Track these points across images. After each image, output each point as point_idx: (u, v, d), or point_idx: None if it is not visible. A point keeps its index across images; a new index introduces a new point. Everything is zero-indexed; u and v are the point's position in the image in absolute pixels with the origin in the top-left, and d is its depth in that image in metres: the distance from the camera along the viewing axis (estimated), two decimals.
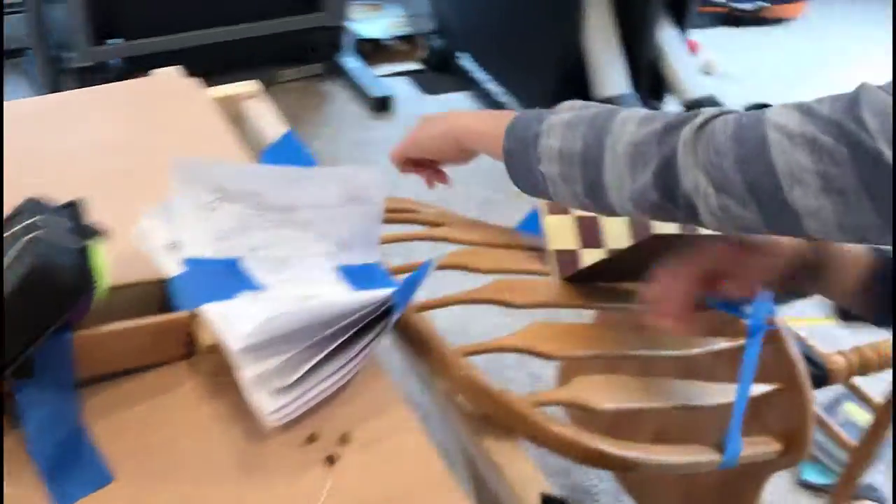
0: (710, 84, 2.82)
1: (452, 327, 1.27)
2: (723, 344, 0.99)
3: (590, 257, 0.93)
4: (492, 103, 2.48)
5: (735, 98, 2.73)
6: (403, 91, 2.61)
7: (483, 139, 0.73)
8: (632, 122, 0.61)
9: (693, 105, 2.08)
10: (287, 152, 0.77)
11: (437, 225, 0.95)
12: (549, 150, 0.64)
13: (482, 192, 2.14)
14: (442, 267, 0.84)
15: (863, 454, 1.25)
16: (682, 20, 2.21)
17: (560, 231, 0.93)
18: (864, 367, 1.08)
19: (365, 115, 2.47)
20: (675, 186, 0.58)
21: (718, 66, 2.96)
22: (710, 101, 2.09)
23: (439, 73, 2.72)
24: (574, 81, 2.12)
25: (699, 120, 0.58)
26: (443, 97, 2.62)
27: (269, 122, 1.03)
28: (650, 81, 2.22)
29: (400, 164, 0.82)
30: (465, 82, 2.65)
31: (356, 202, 0.75)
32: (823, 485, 1.44)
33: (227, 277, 0.68)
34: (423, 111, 2.52)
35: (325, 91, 2.55)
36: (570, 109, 0.66)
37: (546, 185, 0.67)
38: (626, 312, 0.92)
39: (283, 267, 0.72)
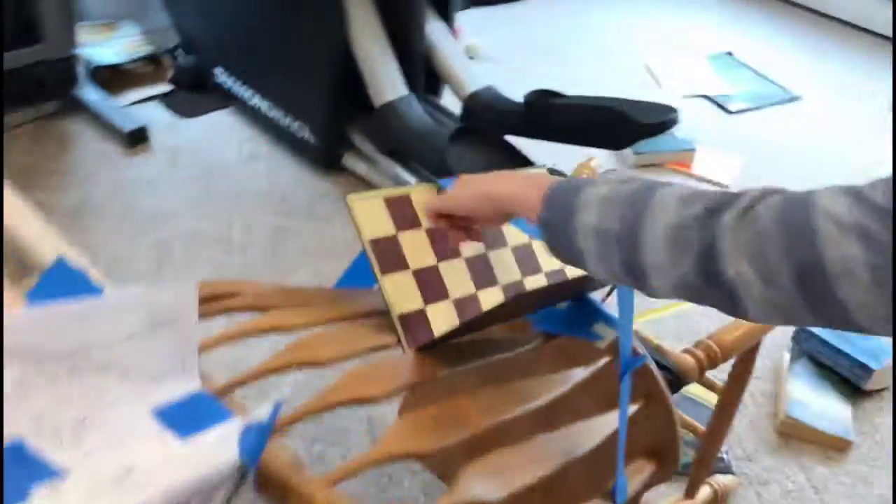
0: (478, 69, 2.84)
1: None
2: (580, 373, 0.95)
3: (438, 313, 0.85)
4: (259, 119, 2.32)
5: (506, 82, 2.76)
6: (157, 118, 2.38)
7: (522, 205, 0.74)
8: (671, 203, 0.60)
9: (473, 98, 2.06)
10: (62, 283, 0.61)
11: (261, 309, 0.82)
12: (585, 226, 0.65)
13: (274, 220, 2.00)
14: (281, 368, 0.72)
15: (715, 437, 1.28)
16: (446, 11, 2.17)
17: (401, 291, 0.83)
18: (712, 362, 1.08)
19: (119, 152, 2.22)
20: (718, 274, 0.56)
21: (482, 49, 2.98)
22: (490, 92, 2.07)
23: (194, 92, 2.50)
24: (349, 88, 2.02)
25: (742, 204, 0.56)
26: (203, 119, 2.41)
27: (16, 216, 0.83)
28: (425, 78, 2.17)
29: (434, 220, 0.84)
30: (224, 99, 2.46)
31: (164, 326, 0.61)
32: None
33: (13, 469, 0.52)
34: (184, 137, 2.32)
35: (66, 132, 2.26)
36: (606, 183, 0.66)
37: (583, 260, 0.68)
38: (483, 369, 0.85)
39: (85, 431, 0.57)
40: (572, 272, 1.00)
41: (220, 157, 2.23)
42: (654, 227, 0.60)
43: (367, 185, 2.14)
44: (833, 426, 1.60)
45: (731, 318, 1.18)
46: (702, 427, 1.37)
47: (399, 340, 0.81)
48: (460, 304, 0.88)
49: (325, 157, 2.17)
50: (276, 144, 2.29)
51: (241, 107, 2.39)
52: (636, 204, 0.62)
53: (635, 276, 0.63)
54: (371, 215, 0.85)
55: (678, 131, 2.28)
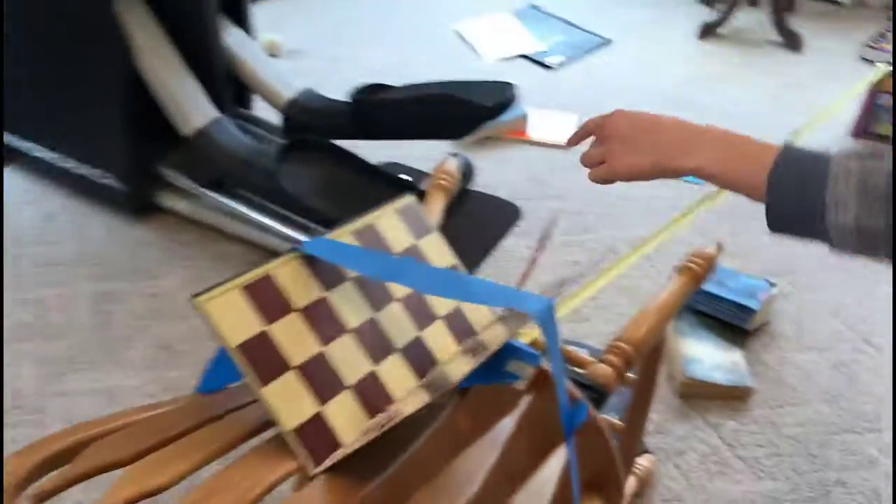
0: (287, 69, 2.65)
1: None
2: (506, 425, 0.85)
3: (339, 410, 0.71)
4: (48, 173, 2.03)
5: (321, 78, 2.60)
6: None
7: (726, 183, 0.76)
8: None
9: (292, 106, 1.89)
10: None
11: (121, 464, 0.65)
12: (842, 226, 0.68)
13: (94, 287, 1.75)
14: None
15: (634, 432, 1.22)
16: (240, 14, 1.98)
17: (288, 400, 0.69)
18: (629, 364, 1.01)
19: None
20: None
21: (282, 44, 2.79)
22: (309, 95, 1.91)
23: None
24: (150, 121, 1.79)
25: None
26: None
27: None
28: (233, 93, 1.98)
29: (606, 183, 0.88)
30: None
31: None
32: None
33: None
34: None
35: None
36: (846, 176, 0.67)
37: (836, 247, 0.70)
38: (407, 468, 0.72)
39: None
40: (475, 317, 0.89)
41: (12, 227, 1.94)
42: None
43: (192, 223, 1.93)
44: (730, 376, 1.60)
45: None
46: (619, 423, 1.32)
47: (302, 462, 0.67)
48: (361, 389, 0.75)
49: (136, 201, 1.94)
50: (76, 198, 2.02)
51: (23, 163, 2.09)
52: None
53: None
54: (231, 314, 0.69)
55: None
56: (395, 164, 2.18)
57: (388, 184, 1.73)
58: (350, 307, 0.78)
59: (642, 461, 1.42)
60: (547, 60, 2.81)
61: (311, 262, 0.78)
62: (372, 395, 0.75)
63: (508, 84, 1.68)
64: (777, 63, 2.99)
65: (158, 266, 1.83)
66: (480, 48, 2.87)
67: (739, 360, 1.64)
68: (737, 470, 1.45)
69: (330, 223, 1.68)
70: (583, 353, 1.36)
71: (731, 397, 1.59)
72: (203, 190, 1.85)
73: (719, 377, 1.59)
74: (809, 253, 1.99)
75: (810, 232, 0.71)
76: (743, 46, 3.09)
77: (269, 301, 0.72)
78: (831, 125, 2.55)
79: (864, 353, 1.71)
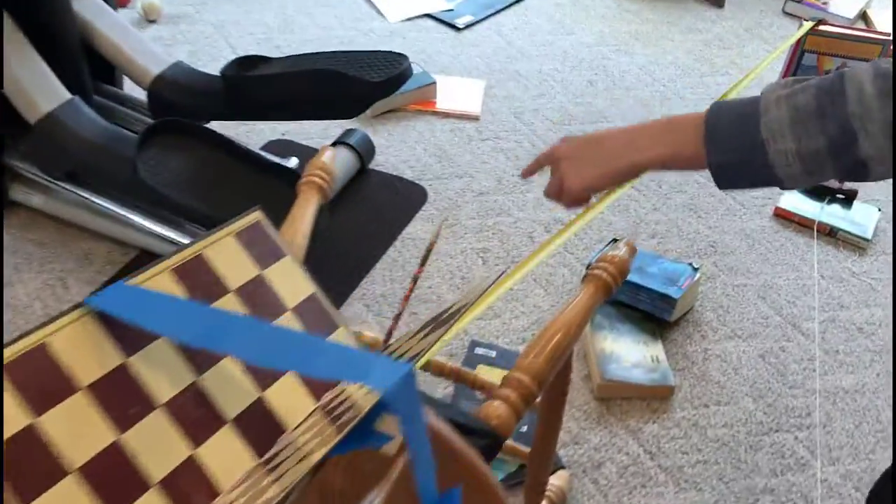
0: (159, 34, 2.43)
1: None
2: (380, 494, 0.71)
3: None
4: None
5: (201, 45, 2.39)
6: None
7: (676, 163, 0.77)
8: (867, 94, 0.64)
9: (158, 83, 1.68)
10: None
11: None
12: (784, 154, 0.69)
13: None
14: None
15: (542, 458, 1.10)
16: None
17: None
18: (528, 399, 0.88)
19: None
20: None
21: (161, 7, 2.55)
22: (178, 70, 1.71)
23: None
24: None
25: None
26: None
27: None
28: (95, 69, 1.76)
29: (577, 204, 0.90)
30: None
31: None
32: (503, 479, 1.30)
33: None
34: None
35: None
36: (777, 103, 0.69)
37: (781, 183, 0.71)
38: None
39: None
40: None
41: None
42: (866, 125, 0.64)
43: (49, 219, 1.72)
44: (652, 375, 1.49)
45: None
46: (525, 448, 1.20)
47: None
48: (173, 485, 0.59)
49: None
50: None
51: None
52: (831, 112, 0.65)
53: (857, 172, 0.67)
54: None
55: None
56: (286, 142, 2.01)
57: (267, 172, 1.56)
58: (162, 373, 0.63)
59: (555, 480, 1.31)
60: (455, 20, 2.64)
61: (107, 318, 0.62)
62: (189, 490, 0.60)
63: (401, 56, 1.52)
64: (698, 19, 2.88)
65: (10, 271, 1.62)
66: (383, 8, 2.69)
67: (661, 356, 1.54)
68: (658, 482, 1.36)
69: (199, 218, 1.51)
70: (484, 372, 1.23)
71: (653, 397, 1.49)
72: (58, 182, 1.64)
73: (640, 376, 1.49)
74: (734, 230, 1.90)
75: (757, 174, 0.72)
76: (663, 2, 2.98)
77: (40, 381, 0.56)
78: (755, 88, 2.46)
79: (791, 341, 1.63)
